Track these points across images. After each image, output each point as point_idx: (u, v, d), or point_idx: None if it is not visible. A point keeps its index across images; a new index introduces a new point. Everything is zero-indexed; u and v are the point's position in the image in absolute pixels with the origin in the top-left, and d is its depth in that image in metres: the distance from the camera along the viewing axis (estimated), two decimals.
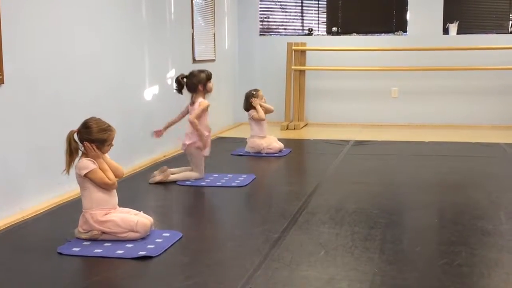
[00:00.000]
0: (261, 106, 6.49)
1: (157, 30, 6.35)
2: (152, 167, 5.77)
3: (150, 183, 5.02)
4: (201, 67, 5.32)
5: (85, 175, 3.49)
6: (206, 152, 5.16)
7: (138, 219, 3.53)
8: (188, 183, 5.05)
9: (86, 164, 3.50)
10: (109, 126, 3.60)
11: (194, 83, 5.15)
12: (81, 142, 3.56)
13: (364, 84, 9.01)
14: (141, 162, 5.85)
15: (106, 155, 3.65)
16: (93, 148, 3.52)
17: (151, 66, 6.18)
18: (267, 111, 6.55)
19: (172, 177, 5.06)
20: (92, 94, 5.04)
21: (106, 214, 3.53)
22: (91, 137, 3.53)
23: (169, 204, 4.66)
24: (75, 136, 3.55)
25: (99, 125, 3.57)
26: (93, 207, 3.53)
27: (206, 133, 5.14)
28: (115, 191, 3.63)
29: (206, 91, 5.20)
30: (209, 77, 5.21)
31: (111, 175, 3.55)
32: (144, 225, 3.52)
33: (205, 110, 5.12)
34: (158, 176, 5.03)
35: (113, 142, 3.61)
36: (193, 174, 5.13)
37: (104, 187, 3.54)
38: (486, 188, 4.90)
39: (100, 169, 3.54)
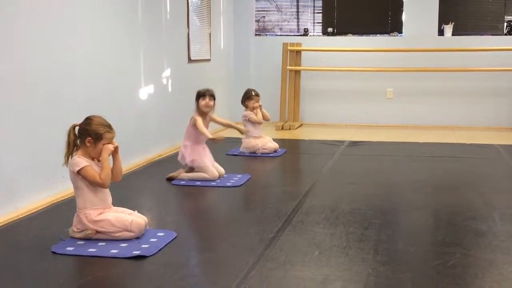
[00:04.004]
0: (261, 111, 6.50)
1: (153, 29, 6.34)
2: (147, 167, 5.78)
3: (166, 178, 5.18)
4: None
5: (78, 172, 3.48)
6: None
7: (132, 218, 3.52)
8: (182, 182, 5.05)
9: (78, 161, 3.50)
10: (110, 126, 3.59)
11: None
12: (79, 136, 3.55)
13: (359, 84, 9.02)
14: (136, 161, 5.84)
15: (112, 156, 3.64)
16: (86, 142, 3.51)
17: (146, 66, 6.17)
18: (264, 117, 6.55)
19: (184, 175, 5.14)
20: (87, 93, 5.03)
21: (100, 214, 3.52)
22: (89, 128, 3.52)
23: (164, 204, 4.65)
24: (76, 130, 3.55)
25: (100, 120, 3.57)
26: (87, 207, 3.52)
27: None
28: (109, 190, 3.63)
29: (199, 109, 5.26)
30: (200, 94, 5.25)
31: (104, 175, 3.52)
32: (139, 224, 3.52)
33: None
34: (171, 174, 5.17)
35: (110, 147, 3.55)
36: (205, 175, 5.12)
37: (95, 185, 3.54)
38: (480, 189, 4.91)
39: (102, 167, 3.53)
